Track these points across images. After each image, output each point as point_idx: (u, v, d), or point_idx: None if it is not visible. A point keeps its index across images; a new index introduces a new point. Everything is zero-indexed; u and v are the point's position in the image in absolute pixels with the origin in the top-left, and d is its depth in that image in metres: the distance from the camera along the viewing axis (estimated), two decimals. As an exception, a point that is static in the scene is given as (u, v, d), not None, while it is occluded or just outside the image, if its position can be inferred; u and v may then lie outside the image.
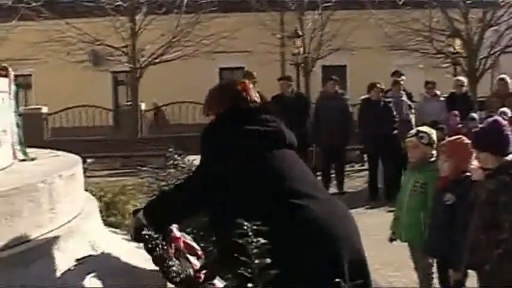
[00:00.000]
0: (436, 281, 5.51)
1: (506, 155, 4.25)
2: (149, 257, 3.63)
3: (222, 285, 3.55)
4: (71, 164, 4.43)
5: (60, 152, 5.21)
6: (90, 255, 3.71)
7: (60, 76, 24.36)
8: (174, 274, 3.54)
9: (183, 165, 5.93)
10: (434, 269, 5.54)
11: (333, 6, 23.27)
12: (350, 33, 22.68)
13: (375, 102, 11.98)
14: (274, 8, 24.26)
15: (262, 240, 2.54)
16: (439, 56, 21.99)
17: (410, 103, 12.87)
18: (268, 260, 2.54)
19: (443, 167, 5.10)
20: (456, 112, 12.14)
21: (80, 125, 22.26)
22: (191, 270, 3.66)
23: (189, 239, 3.98)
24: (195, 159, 4.55)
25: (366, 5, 22.76)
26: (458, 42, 20.75)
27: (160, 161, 10.67)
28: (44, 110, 21.55)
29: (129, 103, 22.95)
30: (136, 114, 21.85)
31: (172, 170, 6.05)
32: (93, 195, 5.39)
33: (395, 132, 11.75)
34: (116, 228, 5.14)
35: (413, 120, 12.49)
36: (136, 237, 3.66)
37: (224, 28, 22.38)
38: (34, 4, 20.77)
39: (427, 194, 5.47)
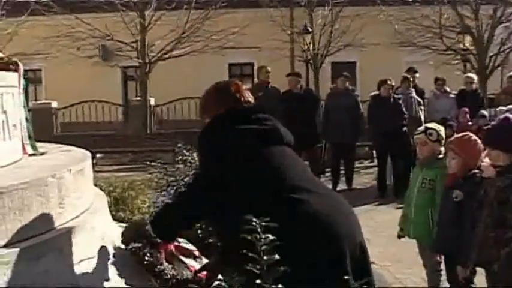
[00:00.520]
0: (444, 278, 5.49)
1: (518, 153, 4.23)
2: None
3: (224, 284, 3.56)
4: (80, 159, 4.44)
5: (69, 147, 5.22)
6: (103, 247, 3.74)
7: (70, 71, 24.40)
8: (168, 277, 3.57)
9: (192, 161, 5.94)
10: (443, 266, 5.53)
11: (342, 2, 23.24)
12: (360, 30, 22.66)
13: (385, 99, 11.94)
14: (284, 4, 24.24)
15: (270, 237, 2.53)
16: (449, 52, 21.93)
17: (420, 100, 12.82)
18: (277, 257, 2.53)
19: (451, 164, 5.09)
20: (466, 109, 12.10)
21: (90, 120, 22.31)
22: (188, 272, 3.68)
23: (183, 242, 4.01)
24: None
25: (375, 1, 22.75)
26: (468, 39, 20.71)
27: (169, 156, 10.69)
28: (54, 104, 21.64)
29: (138, 98, 22.99)
30: (145, 109, 21.89)
31: (181, 166, 6.06)
32: (102, 190, 5.40)
33: (404, 129, 11.72)
34: (125, 223, 5.15)
35: (422, 117, 12.45)
36: (126, 247, 3.71)
37: (233, 24, 22.40)
38: (44, -1, 20.86)
39: (435, 191, 5.47)
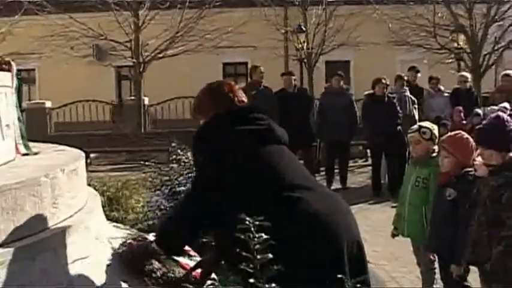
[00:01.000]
0: (438, 276, 5.50)
1: (511, 151, 4.24)
2: None
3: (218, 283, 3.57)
4: (73, 158, 4.44)
5: (63, 147, 5.22)
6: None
7: (64, 71, 24.36)
8: (158, 275, 3.57)
9: (186, 160, 5.93)
10: (436, 265, 5.54)
11: (336, 1, 23.26)
12: (354, 29, 22.68)
13: (379, 98, 11.95)
14: (278, 3, 24.24)
15: (264, 236, 2.53)
16: (443, 51, 21.94)
17: (414, 98, 12.83)
18: (270, 256, 2.53)
19: (444, 162, 5.09)
20: (460, 108, 12.11)
21: (84, 119, 22.26)
22: (180, 270, 3.68)
23: None
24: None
25: (370, 0, 22.73)
26: (462, 37, 20.73)
27: (164, 155, 10.69)
28: (48, 104, 21.56)
29: (132, 98, 22.96)
30: (139, 109, 21.85)
31: (175, 165, 6.05)
32: (96, 189, 5.39)
33: (399, 127, 11.73)
34: (119, 223, 5.15)
35: (416, 116, 12.46)
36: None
37: (228, 23, 22.38)
38: (38, -2, 20.82)
39: (429, 189, 5.47)
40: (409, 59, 20.83)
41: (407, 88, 12.85)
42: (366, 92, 12.83)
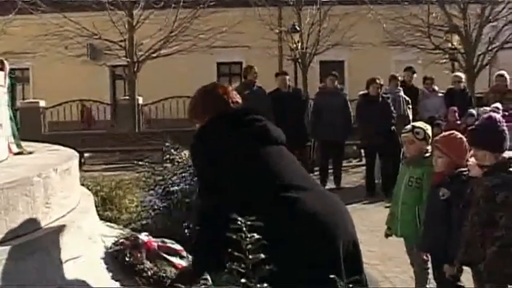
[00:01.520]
0: (431, 276, 5.50)
1: (504, 152, 4.24)
2: None
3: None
4: (66, 158, 4.43)
5: (56, 146, 5.21)
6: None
7: (58, 70, 24.34)
8: (149, 274, 3.57)
9: (179, 160, 5.93)
10: (430, 264, 5.54)
11: (331, 1, 23.27)
12: (348, 29, 22.71)
13: (374, 98, 11.95)
14: (272, 2, 24.24)
15: (256, 236, 2.53)
16: (437, 51, 21.98)
17: (408, 99, 12.84)
18: (262, 256, 2.52)
19: (437, 162, 5.09)
20: (455, 108, 12.13)
21: (78, 119, 22.22)
22: (172, 269, 3.68)
23: (169, 242, 4.01)
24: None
25: (364, 0, 22.74)
26: (456, 38, 20.75)
27: (158, 155, 10.68)
28: (42, 104, 21.51)
29: (126, 97, 22.93)
30: (133, 108, 21.82)
31: (168, 165, 6.04)
32: (90, 189, 5.39)
33: (393, 128, 11.73)
34: (113, 222, 5.14)
35: (410, 116, 12.47)
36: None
37: (222, 23, 22.38)
38: (32, -3, 20.77)
39: (422, 189, 5.47)
40: (404, 59, 20.86)
41: (401, 88, 12.86)
42: (360, 92, 12.83)
